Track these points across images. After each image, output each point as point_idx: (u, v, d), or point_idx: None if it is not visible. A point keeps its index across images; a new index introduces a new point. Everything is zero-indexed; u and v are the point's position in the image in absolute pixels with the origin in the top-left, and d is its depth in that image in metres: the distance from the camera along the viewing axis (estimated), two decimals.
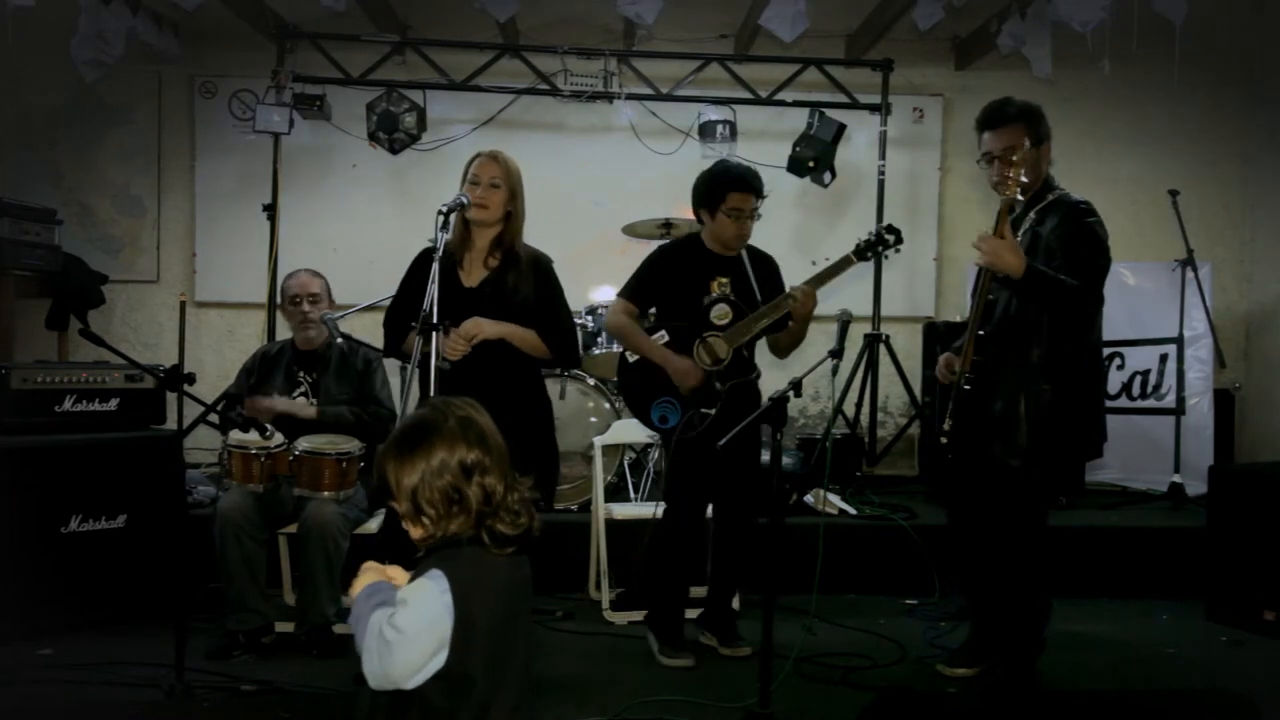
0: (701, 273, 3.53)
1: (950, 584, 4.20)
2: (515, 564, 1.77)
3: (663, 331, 3.53)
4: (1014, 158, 2.99)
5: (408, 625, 1.63)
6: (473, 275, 3.16)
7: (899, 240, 3.53)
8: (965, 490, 3.30)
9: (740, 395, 3.48)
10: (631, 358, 3.57)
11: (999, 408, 3.03)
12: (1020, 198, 3.08)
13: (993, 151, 3.11)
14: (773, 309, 3.46)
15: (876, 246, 3.50)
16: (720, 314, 3.49)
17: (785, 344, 3.62)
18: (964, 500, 3.33)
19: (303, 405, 3.77)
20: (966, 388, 3.06)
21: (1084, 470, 5.29)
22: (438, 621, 1.65)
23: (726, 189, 3.46)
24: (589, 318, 4.88)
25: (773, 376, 3.59)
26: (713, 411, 3.43)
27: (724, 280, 3.52)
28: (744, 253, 3.60)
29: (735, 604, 3.77)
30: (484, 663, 1.68)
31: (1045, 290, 2.89)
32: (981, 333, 3.08)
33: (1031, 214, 3.10)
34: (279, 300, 3.96)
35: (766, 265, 3.64)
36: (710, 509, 3.61)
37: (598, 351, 4.86)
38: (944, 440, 3.12)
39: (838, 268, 3.46)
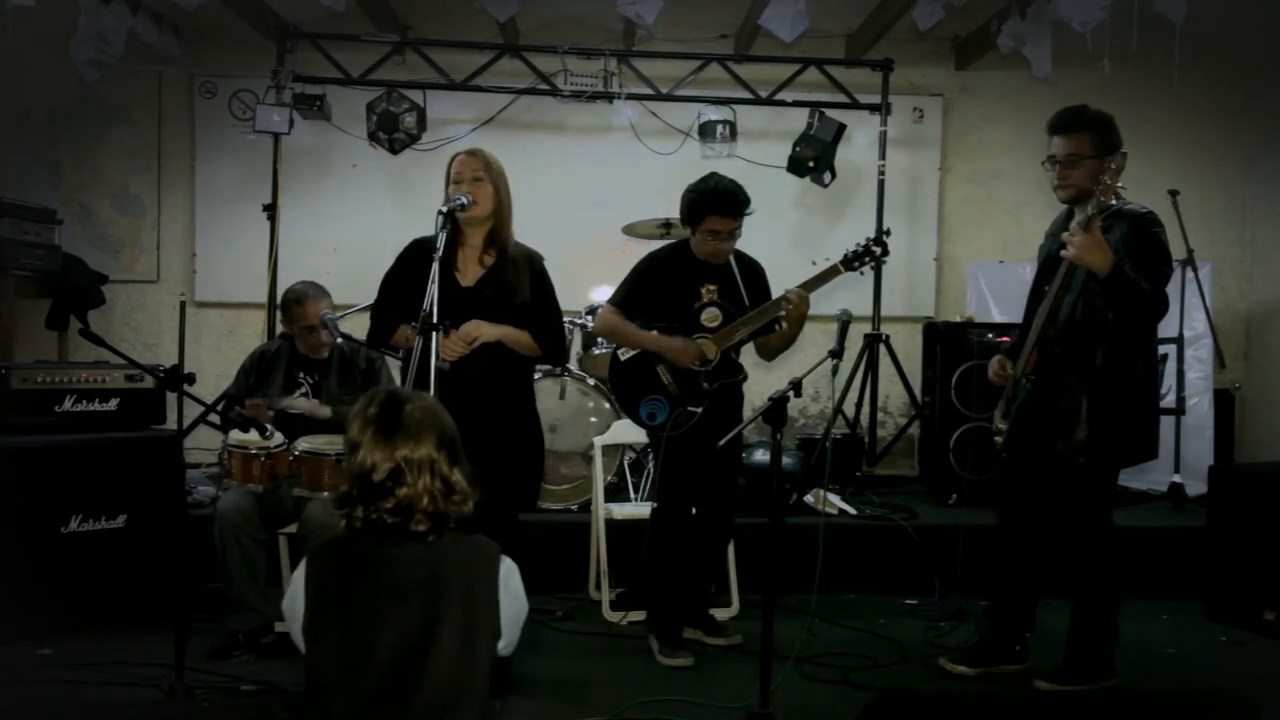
0: (691, 280, 3.58)
1: (952, 585, 4.19)
2: (404, 558, 1.75)
3: (654, 332, 3.57)
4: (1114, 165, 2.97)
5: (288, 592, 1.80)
6: (468, 274, 3.16)
7: (885, 252, 3.58)
8: (1022, 490, 3.33)
9: (726, 395, 3.55)
10: (624, 356, 3.61)
11: (1062, 407, 3.11)
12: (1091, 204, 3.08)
13: (1055, 155, 3.16)
14: (763, 313, 3.51)
15: (864, 257, 3.54)
16: (710, 317, 3.54)
17: (775, 346, 3.65)
18: (1019, 500, 3.36)
19: (316, 406, 3.74)
20: (1029, 387, 3.18)
21: None
22: (295, 595, 1.76)
23: (705, 211, 3.47)
24: (589, 318, 4.88)
25: (773, 377, 3.60)
26: (699, 409, 3.48)
27: (712, 287, 3.58)
28: (732, 259, 3.64)
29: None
30: (329, 647, 1.72)
31: (1125, 291, 2.93)
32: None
33: (1074, 220, 3.12)
34: (283, 314, 3.88)
35: (754, 272, 3.68)
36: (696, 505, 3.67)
37: (598, 351, 4.86)
38: (999, 440, 3.26)
39: (826, 276, 3.50)
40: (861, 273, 3.60)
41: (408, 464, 1.75)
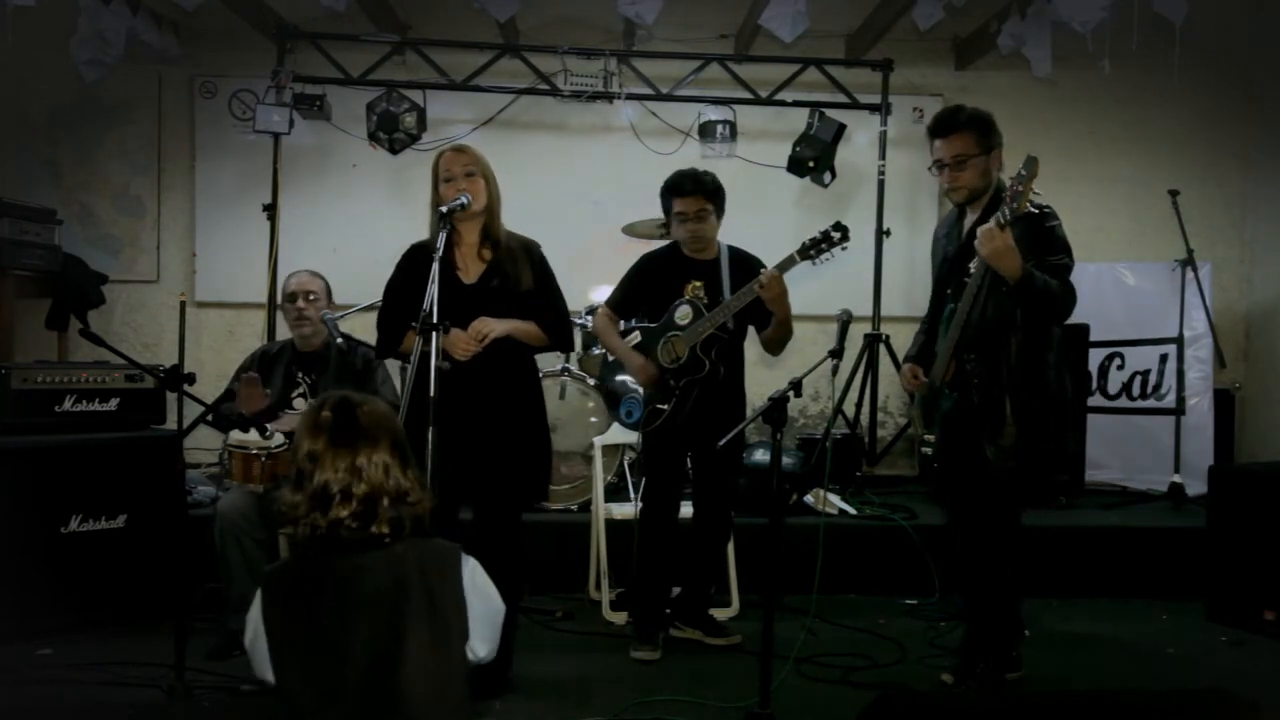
0: (678, 278, 3.64)
1: (950, 584, 4.19)
2: (364, 567, 1.70)
3: (636, 333, 3.67)
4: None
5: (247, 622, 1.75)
6: (470, 271, 3.16)
7: (845, 238, 3.48)
8: (957, 493, 3.33)
9: (700, 391, 3.55)
10: (610, 357, 3.79)
11: (986, 412, 3.07)
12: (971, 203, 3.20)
13: (943, 159, 3.16)
14: (729, 305, 3.49)
15: (821, 244, 3.46)
16: (682, 315, 3.60)
17: (771, 337, 3.65)
18: (957, 503, 3.37)
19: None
20: (953, 398, 3.14)
21: (1084, 470, 5.30)
22: (255, 628, 1.71)
23: (671, 197, 3.61)
24: (589, 318, 4.88)
25: (773, 377, 3.60)
26: (666, 407, 3.55)
27: (698, 284, 3.62)
28: (724, 255, 3.66)
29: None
30: (300, 672, 1.67)
31: (1036, 296, 2.92)
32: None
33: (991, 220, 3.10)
34: (279, 299, 3.96)
35: (745, 266, 3.65)
36: (693, 504, 3.74)
37: (597, 351, 4.86)
38: (926, 450, 3.26)
39: (784, 265, 3.45)
40: (815, 263, 3.48)
41: (363, 470, 1.72)
